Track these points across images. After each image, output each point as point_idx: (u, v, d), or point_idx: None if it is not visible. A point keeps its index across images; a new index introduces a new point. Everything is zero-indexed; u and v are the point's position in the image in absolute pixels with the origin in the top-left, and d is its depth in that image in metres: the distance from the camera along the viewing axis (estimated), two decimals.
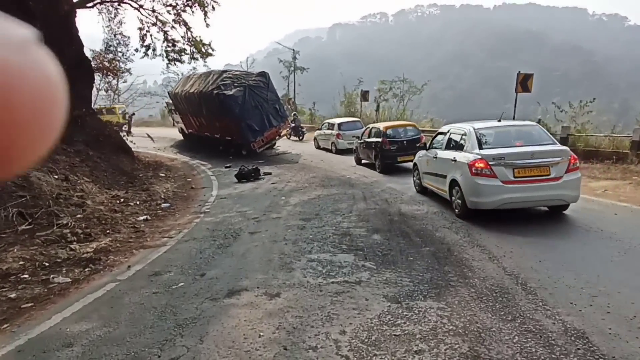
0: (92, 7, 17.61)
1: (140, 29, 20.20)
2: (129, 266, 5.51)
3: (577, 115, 13.94)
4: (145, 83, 62.80)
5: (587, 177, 10.33)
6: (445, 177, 7.58)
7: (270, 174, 13.72)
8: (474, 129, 7.19)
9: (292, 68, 36.66)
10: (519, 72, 13.10)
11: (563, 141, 13.06)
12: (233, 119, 18.22)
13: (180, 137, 26.71)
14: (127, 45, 20.26)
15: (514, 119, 14.26)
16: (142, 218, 8.05)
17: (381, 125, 13.65)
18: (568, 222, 6.53)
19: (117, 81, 46.44)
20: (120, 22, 19.52)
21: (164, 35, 20.49)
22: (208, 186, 12.36)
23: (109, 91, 46.08)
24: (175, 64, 21.56)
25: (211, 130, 21.22)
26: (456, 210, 7.19)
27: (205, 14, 19.88)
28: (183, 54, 21.24)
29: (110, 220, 7.44)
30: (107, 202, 8.67)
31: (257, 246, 5.99)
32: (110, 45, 19.97)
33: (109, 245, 6.26)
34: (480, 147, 6.84)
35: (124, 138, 16.71)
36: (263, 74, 19.01)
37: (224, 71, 19.27)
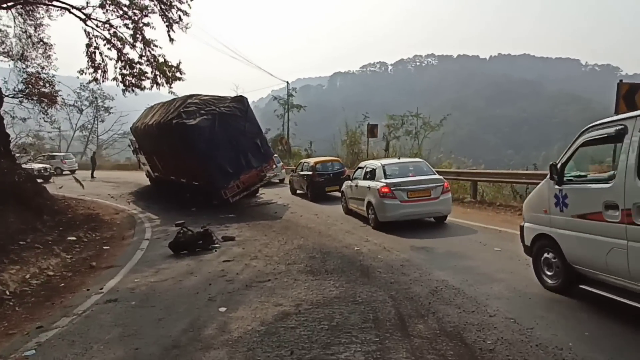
0: (7, 8, 13.29)
1: (88, 45, 15.91)
2: None
3: None
4: None
5: None
6: (363, 200, 9.87)
7: (232, 239, 8.66)
8: (382, 164, 9.91)
9: (286, 106, 32.53)
10: (621, 81, 8.41)
11: None
12: (198, 158, 13.42)
13: (147, 182, 21.79)
14: (49, 57, 15.66)
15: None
16: None
17: (312, 161, 15.89)
18: None
19: (95, 120, 42.43)
20: (40, 25, 14.95)
21: (117, 53, 16.22)
22: (120, 264, 7.26)
23: (83, 131, 42.27)
24: (133, 90, 17.08)
25: (176, 173, 16.37)
26: (372, 224, 9.41)
27: (170, 26, 15.70)
28: (143, 77, 16.85)
29: None
30: None
31: None
32: (27, 58, 15.34)
33: None
34: (386, 177, 9.36)
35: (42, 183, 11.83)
36: (240, 99, 14.41)
37: (190, 96, 14.68)
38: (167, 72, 16.69)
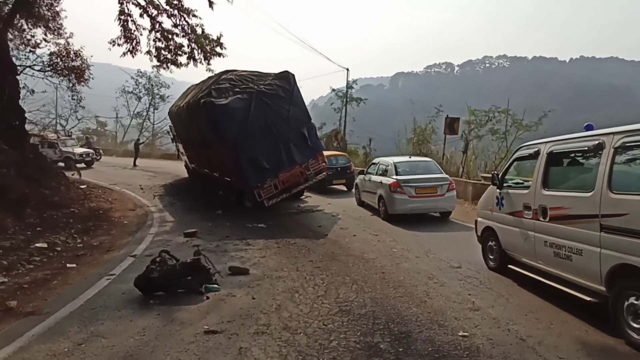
0: None
1: (120, 12, 13.61)
2: None
3: None
4: None
5: None
6: (375, 193, 10.68)
7: (244, 272, 5.54)
8: (394, 162, 10.67)
9: (345, 99, 29.20)
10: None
11: None
12: (228, 146, 10.52)
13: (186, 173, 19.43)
14: (57, 15, 13.42)
15: None
16: None
17: None
18: None
19: (151, 108, 41.66)
20: None
21: (151, 21, 13.79)
22: (50, 310, 4.39)
23: (138, 118, 41.63)
24: (168, 67, 14.63)
25: (209, 165, 13.73)
26: (382, 216, 10.12)
27: None
28: (180, 52, 14.32)
29: None
30: None
31: None
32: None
33: None
34: (397, 174, 10.05)
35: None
36: (285, 76, 11.27)
37: (226, 71, 11.87)
38: (206, 46, 14.04)
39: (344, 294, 4.71)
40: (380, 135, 32.63)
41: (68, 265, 6.23)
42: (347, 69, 26.34)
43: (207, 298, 4.61)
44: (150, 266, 4.74)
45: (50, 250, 7.07)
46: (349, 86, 29.91)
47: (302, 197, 13.45)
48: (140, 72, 37.14)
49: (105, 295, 4.82)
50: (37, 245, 7.09)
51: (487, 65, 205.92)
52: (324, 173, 12.49)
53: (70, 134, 28.15)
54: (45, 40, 13.81)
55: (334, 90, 31.91)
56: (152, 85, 38.43)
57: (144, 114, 40.34)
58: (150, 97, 39.34)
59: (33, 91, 13.64)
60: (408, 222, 9.59)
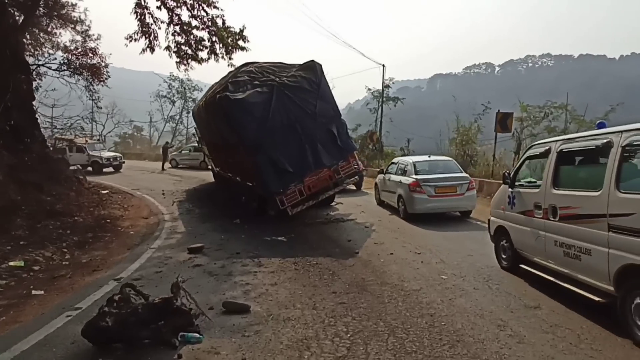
0: None
1: (137, 4, 12.73)
2: None
3: None
4: None
5: None
6: (395, 192, 10.59)
7: (243, 310, 4.14)
8: (413, 161, 10.60)
9: (381, 98, 27.53)
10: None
11: None
12: (245, 147, 9.22)
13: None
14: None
15: None
16: None
17: None
18: None
19: (183, 112, 41.54)
20: None
21: (169, 15, 12.81)
22: None
23: (171, 122, 41.50)
24: (188, 63, 13.61)
25: (230, 168, 12.58)
26: (401, 215, 10.03)
27: None
28: (200, 47, 13.28)
29: None
30: None
31: None
32: None
33: None
34: (416, 173, 9.95)
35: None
36: (311, 66, 9.84)
37: (246, 64, 10.66)
38: (227, 39, 12.89)
39: (376, 354, 3.19)
40: (419, 135, 30.64)
41: (34, 292, 5.06)
42: (383, 65, 24.63)
43: (179, 357, 3.21)
44: (104, 308, 3.40)
45: (26, 269, 5.98)
46: (385, 85, 28.24)
47: (333, 203, 11.99)
48: (173, 75, 37.01)
49: (50, 344, 3.53)
50: (10, 264, 6.01)
51: (530, 64, 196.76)
52: (357, 177, 11.04)
53: (101, 138, 28.00)
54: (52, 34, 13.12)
55: (369, 89, 30.34)
56: (184, 88, 38.20)
57: (177, 117, 40.22)
58: (183, 101, 39.15)
59: (38, 88, 12.96)
60: (445, 228, 7.97)
